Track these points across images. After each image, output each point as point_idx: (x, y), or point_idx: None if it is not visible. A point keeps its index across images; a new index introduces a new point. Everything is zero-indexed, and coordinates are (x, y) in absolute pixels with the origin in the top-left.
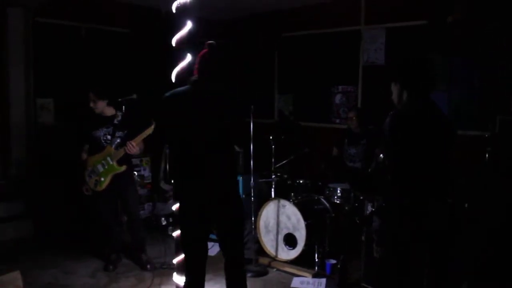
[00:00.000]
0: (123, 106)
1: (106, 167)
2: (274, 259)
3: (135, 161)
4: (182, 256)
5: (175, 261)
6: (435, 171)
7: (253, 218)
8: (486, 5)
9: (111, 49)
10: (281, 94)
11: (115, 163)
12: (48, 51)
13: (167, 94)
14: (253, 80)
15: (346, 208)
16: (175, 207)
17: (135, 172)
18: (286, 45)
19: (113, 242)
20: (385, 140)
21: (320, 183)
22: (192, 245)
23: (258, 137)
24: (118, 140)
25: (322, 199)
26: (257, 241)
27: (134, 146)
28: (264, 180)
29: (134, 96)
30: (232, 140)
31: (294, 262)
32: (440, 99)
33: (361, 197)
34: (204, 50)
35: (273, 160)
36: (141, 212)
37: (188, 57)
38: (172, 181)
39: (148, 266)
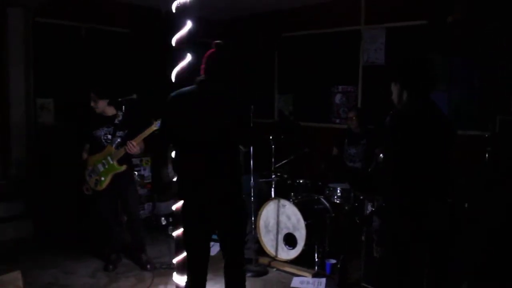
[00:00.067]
0: (123, 106)
1: (107, 166)
2: (274, 259)
3: (135, 161)
4: (182, 256)
5: (175, 261)
6: (435, 171)
7: (253, 218)
8: (486, 5)
9: (111, 49)
10: (281, 94)
11: (115, 163)
12: (48, 51)
13: (173, 94)
14: (253, 80)
15: (346, 208)
16: (175, 207)
17: (135, 172)
18: (286, 45)
19: (113, 242)
20: (385, 140)
21: (320, 183)
22: (194, 245)
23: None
24: (119, 140)
25: (322, 199)
26: (257, 241)
27: (135, 146)
28: (264, 180)
29: (134, 96)
30: (237, 141)
31: (294, 262)
32: (440, 99)
33: (361, 197)
34: (211, 50)
35: (273, 160)
36: (141, 212)
37: (188, 57)
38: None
39: (148, 266)
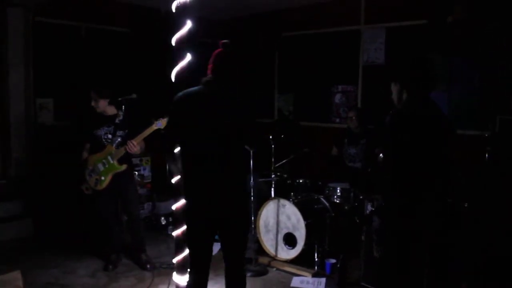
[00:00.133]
0: (123, 106)
1: (107, 166)
2: (273, 258)
3: (135, 160)
4: (182, 255)
5: (175, 260)
6: (434, 170)
7: (253, 218)
8: (486, 5)
9: (111, 48)
10: (281, 93)
11: (115, 162)
12: (48, 51)
13: (179, 94)
14: (253, 80)
15: (346, 207)
16: (175, 206)
17: (135, 172)
18: (286, 45)
19: (113, 242)
20: (385, 139)
21: (320, 183)
22: (198, 245)
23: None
24: (119, 139)
25: (322, 199)
26: (257, 241)
27: (135, 145)
28: (264, 179)
29: (134, 95)
30: (244, 141)
31: (293, 261)
32: (440, 99)
33: (361, 197)
34: (219, 50)
35: (273, 159)
36: (141, 211)
37: (188, 57)
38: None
39: (148, 266)
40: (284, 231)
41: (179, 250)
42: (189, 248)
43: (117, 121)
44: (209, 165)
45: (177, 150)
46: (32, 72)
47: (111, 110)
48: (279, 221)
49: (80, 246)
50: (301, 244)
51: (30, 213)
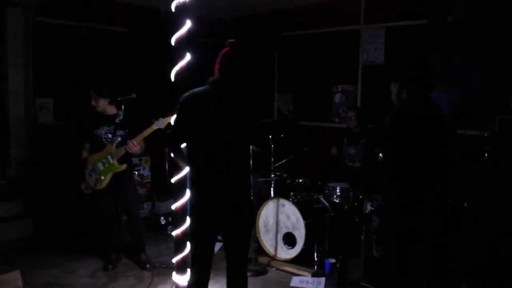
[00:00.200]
0: (123, 105)
1: (107, 165)
2: (273, 258)
3: (134, 160)
4: (181, 255)
5: (174, 260)
6: (434, 170)
7: None
8: (486, 5)
9: (111, 48)
10: (281, 93)
11: (115, 162)
12: (47, 50)
13: (186, 94)
14: (253, 79)
15: (346, 207)
16: (174, 206)
17: (135, 172)
18: (286, 45)
19: (113, 242)
20: (384, 138)
21: (319, 182)
22: (200, 244)
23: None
24: (119, 139)
25: (322, 198)
26: (256, 240)
27: (135, 145)
28: (263, 179)
29: (134, 95)
30: (251, 141)
31: (293, 261)
32: (440, 99)
33: (361, 197)
34: (226, 49)
35: (272, 159)
36: (141, 211)
37: (188, 57)
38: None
39: (148, 266)
40: (284, 230)
41: (178, 250)
42: (191, 247)
43: (117, 120)
44: (215, 165)
45: (183, 145)
46: (32, 72)
47: (111, 110)
48: (279, 221)
49: (80, 246)
50: (301, 243)
51: (30, 213)
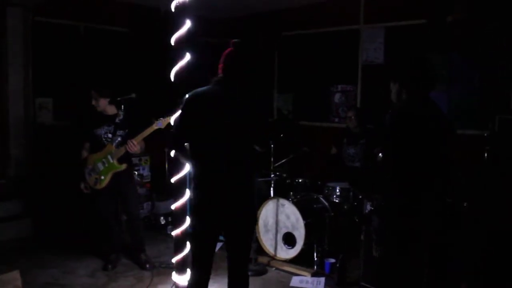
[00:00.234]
0: (123, 105)
1: (107, 165)
2: (273, 258)
3: (134, 160)
4: (181, 255)
5: (174, 260)
6: (434, 170)
7: None
8: (486, 5)
9: (110, 48)
10: (281, 93)
11: (115, 162)
12: (47, 50)
13: (190, 94)
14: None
15: (345, 207)
16: (174, 206)
17: (135, 172)
18: (285, 45)
19: (113, 242)
20: (384, 138)
21: (319, 182)
22: (202, 244)
23: None
24: (119, 139)
25: (321, 198)
26: (256, 240)
27: (135, 145)
28: (263, 179)
29: (133, 95)
30: (255, 141)
31: (293, 261)
32: (440, 99)
33: (360, 196)
34: (229, 49)
35: (272, 159)
36: (140, 211)
37: (187, 56)
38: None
39: (147, 266)
40: (284, 230)
41: (178, 250)
42: (191, 247)
43: (117, 120)
44: (219, 164)
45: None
46: (32, 71)
47: (111, 110)
48: (278, 221)
49: (80, 246)
50: (301, 243)
51: (29, 213)
